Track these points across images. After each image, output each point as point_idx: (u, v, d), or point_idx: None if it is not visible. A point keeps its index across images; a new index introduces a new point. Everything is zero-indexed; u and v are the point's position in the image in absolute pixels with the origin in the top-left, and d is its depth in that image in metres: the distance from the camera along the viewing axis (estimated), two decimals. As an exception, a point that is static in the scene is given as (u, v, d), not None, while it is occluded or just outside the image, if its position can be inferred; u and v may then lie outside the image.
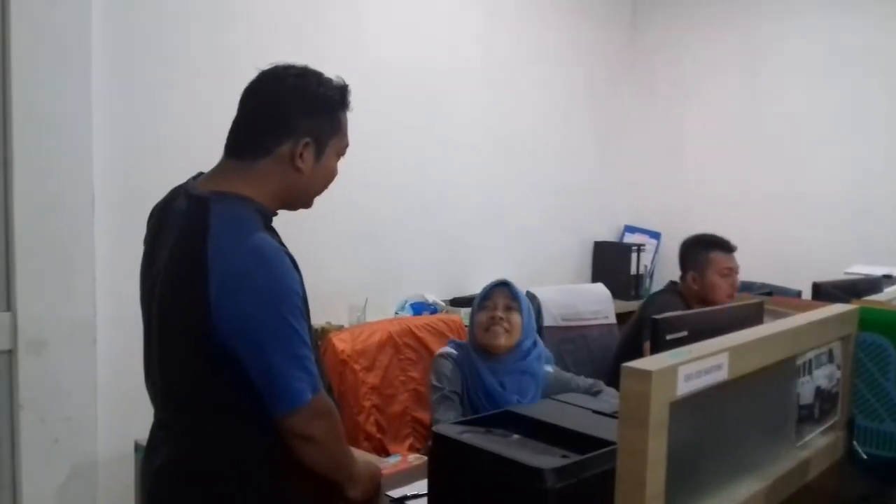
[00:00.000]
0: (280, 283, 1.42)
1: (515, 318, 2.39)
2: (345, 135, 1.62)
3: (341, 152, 1.63)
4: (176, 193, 1.57)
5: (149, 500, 1.57)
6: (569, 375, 2.55)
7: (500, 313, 2.37)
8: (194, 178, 1.57)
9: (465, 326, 2.66)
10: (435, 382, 2.33)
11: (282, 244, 1.51)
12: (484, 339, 2.36)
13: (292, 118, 1.52)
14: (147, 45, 2.63)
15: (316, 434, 1.46)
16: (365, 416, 2.49)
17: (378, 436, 2.52)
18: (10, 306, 2.26)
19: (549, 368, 2.48)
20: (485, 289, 2.47)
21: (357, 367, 2.52)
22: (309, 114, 1.53)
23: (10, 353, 2.27)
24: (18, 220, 2.24)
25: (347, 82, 1.62)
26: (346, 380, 2.50)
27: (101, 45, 2.46)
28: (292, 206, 1.61)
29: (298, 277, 1.48)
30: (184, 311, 1.42)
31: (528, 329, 2.41)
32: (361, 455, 1.76)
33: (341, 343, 2.53)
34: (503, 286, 2.45)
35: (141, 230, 2.77)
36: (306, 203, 1.63)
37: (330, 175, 1.61)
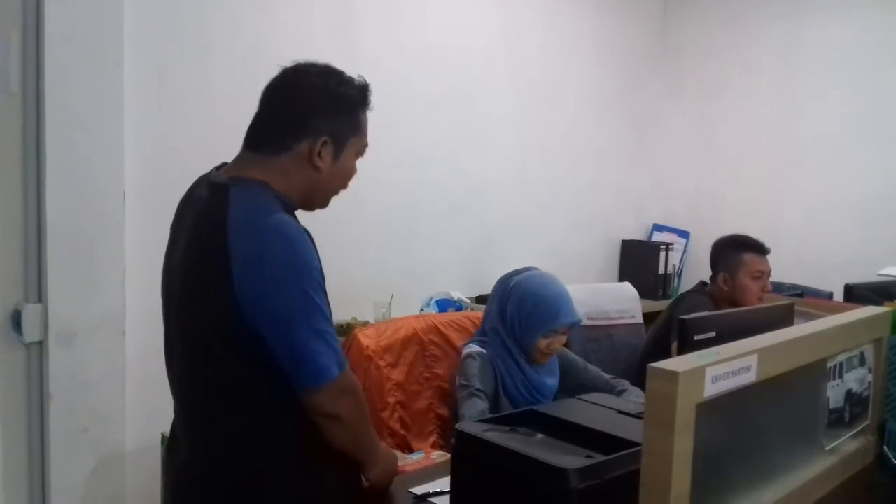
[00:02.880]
0: (300, 258, 1.43)
1: (563, 339, 2.41)
2: (364, 135, 1.63)
3: (361, 152, 1.64)
4: (199, 183, 1.59)
5: (172, 497, 1.59)
6: (576, 357, 2.56)
7: (556, 345, 2.38)
8: (217, 168, 1.59)
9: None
10: (462, 381, 2.33)
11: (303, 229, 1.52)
12: (536, 358, 2.37)
13: (312, 117, 1.53)
14: (177, 42, 2.66)
15: (342, 412, 1.46)
16: (389, 412, 2.49)
17: (402, 432, 2.51)
18: (40, 298, 2.29)
19: None
20: (558, 321, 2.36)
21: (382, 363, 2.52)
22: (329, 113, 1.55)
23: (41, 345, 2.30)
24: (50, 213, 2.27)
25: (368, 82, 1.63)
26: (370, 376, 2.50)
27: (132, 42, 2.49)
28: (310, 205, 1.62)
29: (318, 258, 1.49)
30: (206, 295, 1.44)
31: None
32: (390, 452, 1.76)
33: (366, 339, 2.53)
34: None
35: (170, 223, 2.81)
36: (324, 201, 1.64)
37: (348, 174, 1.62)
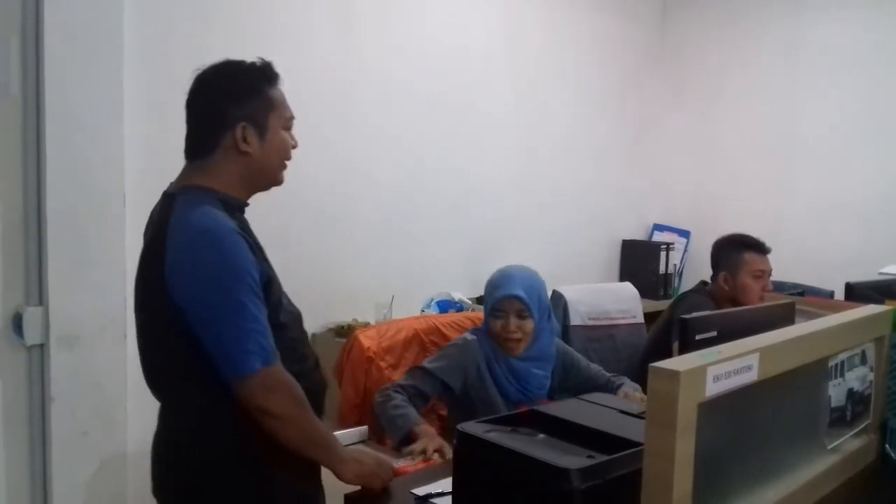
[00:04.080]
0: (227, 260, 1.51)
1: (528, 325, 2.34)
2: (283, 107, 1.69)
3: (287, 125, 1.71)
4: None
5: (150, 470, 1.72)
6: (579, 356, 2.54)
7: (512, 327, 2.32)
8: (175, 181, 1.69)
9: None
10: (432, 359, 2.34)
11: (246, 230, 1.61)
12: (504, 347, 2.35)
13: (223, 111, 1.62)
14: (177, 43, 2.66)
15: (274, 408, 1.52)
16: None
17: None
18: (42, 301, 2.29)
19: (556, 339, 2.50)
20: (494, 297, 2.36)
21: (383, 364, 2.52)
22: (237, 101, 1.63)
23: (42, 347, 2.31)
24: (51, 215, 2.27)
25: (268, 60, 1.70)
26: (371, 376, 2.51)
27: (132, 43, 2.49)
28: (260, 187, 1.71)
29: (254, 259, 1.55)
30: (149, 292, 1.58)
31: (539, 328, 2.37)
32: (372, 453, 1.79)
33: (367, 340, 2.54)
34: (513, 299, 2.34)
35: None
36: (272, 178, 1.72)
37: (283, 147, 1.69)
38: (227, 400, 1.52)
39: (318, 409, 1.69)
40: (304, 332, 1.78)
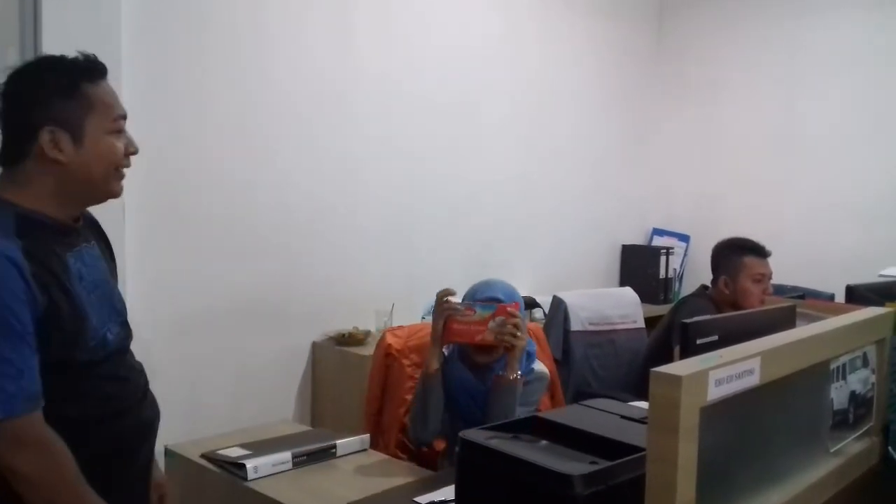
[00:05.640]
0: None
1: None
2: (106, 107, 1.47)
3: (112, 127, 1.48)
4: None
5: None
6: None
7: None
8: None
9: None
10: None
11: (38, 254, 1.38)
12: (473, 356, 2.23)
13: (28, 114, 1.42)
14: (174, 50, 2.67)
15: (19, 467, 1.31)
16: (406, 409, 2.51)
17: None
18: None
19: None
20: (475, 299, 2.27)
21: (406, 362, 2.55)
22: (43, 103, 1.42)
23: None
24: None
25: (88, 53, 1.50)
26: (392, 373, 2.56)
27: (129, 52, 2.49)
28: (86, 199, 1.52)
29: (24, 289, 1.32)
30: None
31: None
32: None
33: (393, 339, 2.59)
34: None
35: (171, 238, 2.80)
36: (99, 190, 1.50)
37: (107, 155, 1.47)
38: None
39: (142, 444, 1.57)
40: (126, 364, 1.58)
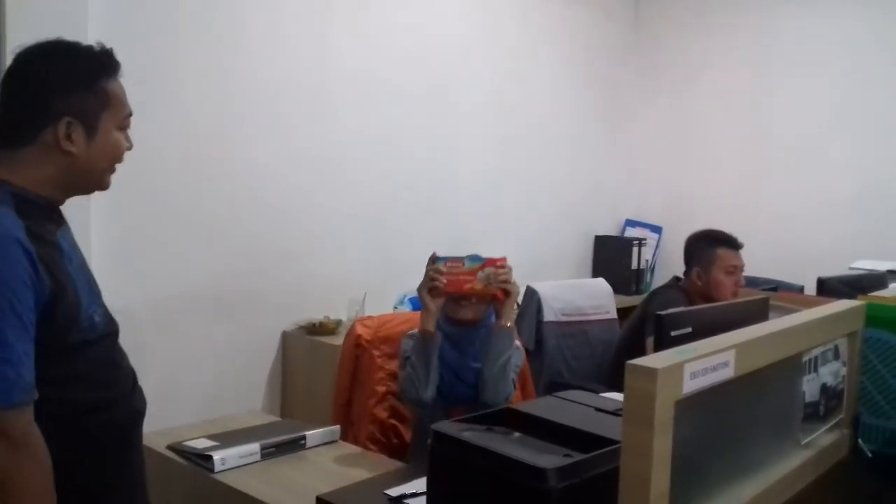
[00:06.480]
0: None
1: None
2: (120, 104, 1.48)
3: (122, 124, 1.49)
4: None
5: None
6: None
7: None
8: None
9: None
10: (400, 362, 2.26)
11: (41, 234, 1.37)
12: (451, 313, 2.23)
13: (47, 101, 1.39)
14: (146, 45, 2.63)
15: None
16: (376, 400, 2.51)
17: (392, 421, 2.51)
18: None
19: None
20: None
21: (377, 353, 2.54)
22: (64, 92, 1.40)
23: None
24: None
25: (110, 46, 1.48)
26: (361, 364, 2.55)
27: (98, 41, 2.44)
28: (80, 189, 1.51)
29: (30, 271, 1.31)
30: None
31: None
32: None
33: (363, 329, 2.58)
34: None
35: (137, 232, 2.76)
36: (95, 183, 1.50)
37: (113, 151, 1.48)
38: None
39: (129, 437, 1.56)
40: (119, 349, 1.57)
